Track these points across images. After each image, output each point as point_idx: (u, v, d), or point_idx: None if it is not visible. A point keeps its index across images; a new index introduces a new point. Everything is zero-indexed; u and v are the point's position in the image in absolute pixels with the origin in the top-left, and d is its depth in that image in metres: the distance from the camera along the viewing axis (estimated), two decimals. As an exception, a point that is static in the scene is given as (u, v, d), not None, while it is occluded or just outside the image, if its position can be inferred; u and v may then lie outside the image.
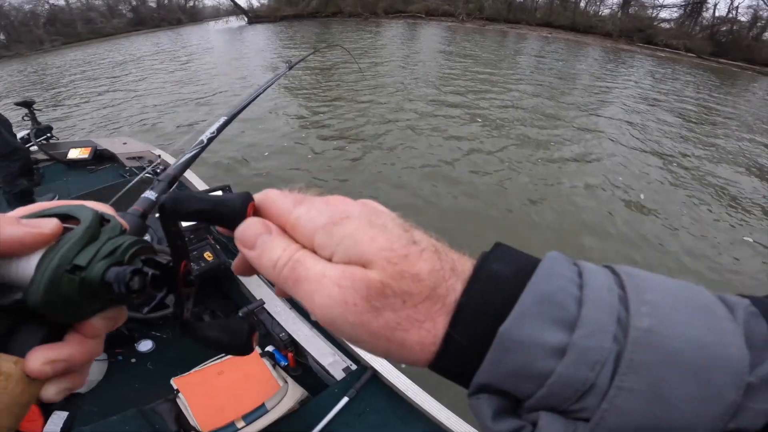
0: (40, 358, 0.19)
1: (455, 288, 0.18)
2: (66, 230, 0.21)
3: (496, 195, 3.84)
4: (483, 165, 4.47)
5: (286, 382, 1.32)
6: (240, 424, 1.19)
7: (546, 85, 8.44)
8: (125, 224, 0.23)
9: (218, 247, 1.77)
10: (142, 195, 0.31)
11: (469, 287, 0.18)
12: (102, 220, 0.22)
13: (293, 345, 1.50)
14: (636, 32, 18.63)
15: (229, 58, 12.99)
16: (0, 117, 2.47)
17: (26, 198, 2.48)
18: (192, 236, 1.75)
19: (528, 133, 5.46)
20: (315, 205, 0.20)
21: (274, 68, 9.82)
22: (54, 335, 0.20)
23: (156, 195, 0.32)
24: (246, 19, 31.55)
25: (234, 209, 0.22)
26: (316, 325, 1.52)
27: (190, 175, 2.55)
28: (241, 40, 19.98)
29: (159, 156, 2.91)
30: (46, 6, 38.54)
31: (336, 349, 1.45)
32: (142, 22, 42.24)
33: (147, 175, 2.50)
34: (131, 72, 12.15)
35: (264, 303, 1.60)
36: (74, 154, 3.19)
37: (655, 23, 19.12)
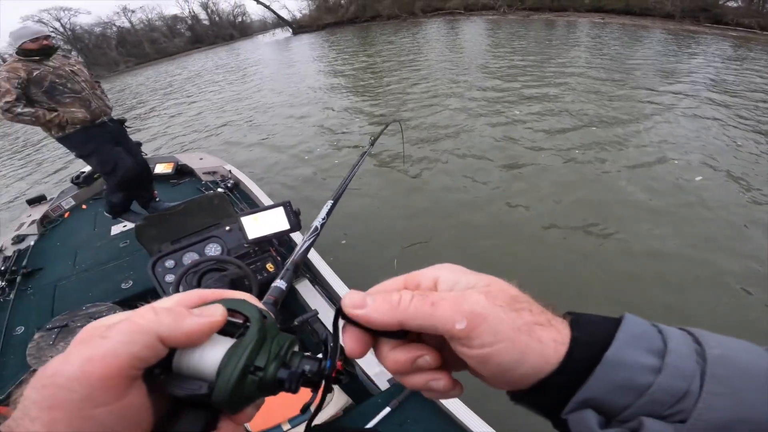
0: None
1: (562, 326, 0.23)
2: (230, 321, 0.23)
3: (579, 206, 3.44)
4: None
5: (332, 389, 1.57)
6: (286, 426, 1.23)
7: (608, 74, 7.67)
8: (272, 314, 0.25)
9: (279, 259, 1.84)
10: (273, 284, 0.34)
11: (573, 324, 0.22)
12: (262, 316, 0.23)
13: (343, 354, 1.71)
14: (700, 12, 16.86)
15: (281, 72, 13.80)
16: (122, 133, 2.74)
17: (128, 207, 2.82)
18: (256, 248, 1.80)
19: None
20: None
21: (329, 87, 10.17)
22: (213, 422, 0.22)
23: (286, 284, 0.35)
24: (291, 30, 33.23)
25: None
26: None
27: (256, 190, 2.91)
28: (288, 50, 21.12)
29: (230, 171, 3.26)
30: (114, 28, 43.58)
31: None
32: (200, 40, 46.23)
33: (220, 189, 2.99)
34: (199, 88, 13.53)
35: (318, 313, 1.66)
36: (160, 168, 3.55)
37: (721, 2, 17.17)
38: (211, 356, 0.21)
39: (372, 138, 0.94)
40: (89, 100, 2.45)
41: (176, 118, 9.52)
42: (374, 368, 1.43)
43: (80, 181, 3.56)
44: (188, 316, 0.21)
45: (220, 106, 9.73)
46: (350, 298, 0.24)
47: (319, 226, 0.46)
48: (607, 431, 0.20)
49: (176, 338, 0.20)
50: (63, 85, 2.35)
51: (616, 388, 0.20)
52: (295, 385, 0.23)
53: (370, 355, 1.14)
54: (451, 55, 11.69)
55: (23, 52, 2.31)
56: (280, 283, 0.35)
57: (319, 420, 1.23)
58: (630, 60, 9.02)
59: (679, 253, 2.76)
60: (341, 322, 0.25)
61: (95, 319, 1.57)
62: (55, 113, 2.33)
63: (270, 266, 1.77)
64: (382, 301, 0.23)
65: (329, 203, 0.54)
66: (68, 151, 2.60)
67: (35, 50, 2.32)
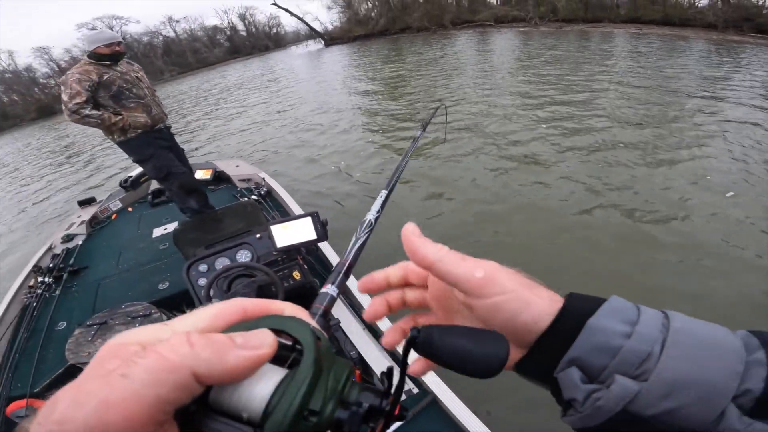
0: None
1: (557, 296, 0.28)
2: (280, 344, 0.20)
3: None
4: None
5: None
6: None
7: (652, 86, 7.37)
8: (325, 333, 0.23)
9: (306, 267, 1.87)
10: (322, 290, 0.30)
11: (567, 298, 0.27)
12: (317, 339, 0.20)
13: (361, 363, 1.56)
14: (743, 21, 15.97)
15: (315, 81, 14.34)
16: (173, 140, 2.82)
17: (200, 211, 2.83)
18: (284, 255, 1.82)
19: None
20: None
21: (361, 93, 10.43)
22: None
23: (337, 291, 0.31)
24: (323, 42, 34.27)
25: (489, 363, 0.23)
26: (385, 348, 1.72)
27: (287, 198, 3.00)
28: (320, 60, 21.80)
29: (263, 179, 3.36)
30: (160, 38, 46.44)
31: (401, 373, 1.61)
32: (237, 50, 48.53)
33: (253, 197, 3.12)
34: (238, 96, 14.23)
35: (340, 322, 1.68)
36: (200, 175, 3.65)
37: (765, 11, 16.18)
38: (258, 392, 0.19)
39: (423, 122, 0.88)
40: (150, 105, 2.54)
41: (216, 125, 10.08)
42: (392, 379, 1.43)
43: (128, 184, 3.76)
44: (231, 348, 0.18)
45: (259, 114, 10.20)
46: (411, 229, 0.29)
47: (373, 220, 0.42)
48: (586, 384, 0.24)
49: (216, 376, 0.17)
50: (129, 90, 2.44)
51: (594, 349, 0.24)
52: (355, 428, 0.20)
53: (387, 364, 1.18)
54: (483, 66, 11.67)
55: (96, 56, 2.37)
56: (330, 289, 0.32)
57: None
58: (668, 69, 8.70)
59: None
60: (412, 354, 0.24)
61: (132, 318, 1.64)
62: (120, 117, 2.39)
63: (297, 274, 1.80)
64: (429, 243, 0.29)
65: (383, 194, 0.47)
66: (125, 156, 2.69)
67: (107, 55, 2.38)
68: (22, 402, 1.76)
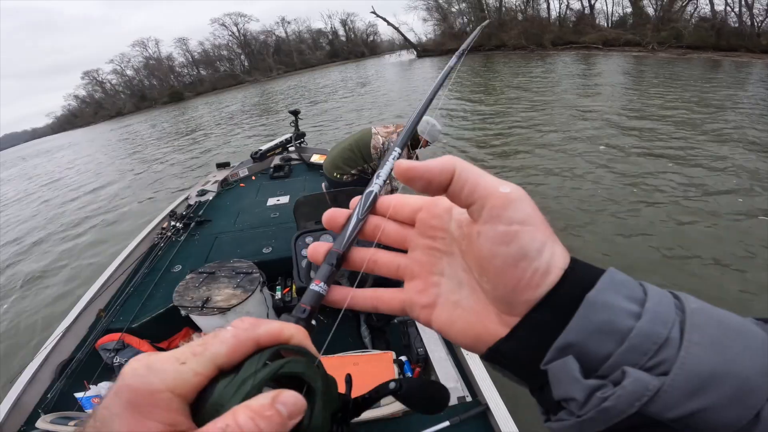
0: None
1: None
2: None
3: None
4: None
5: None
6: (355, 407, 1.41)
7: None
8: (319, 356, 0.22)
9: None
10: (310, 287, 0.25)
11: (570, 265, 0.21)
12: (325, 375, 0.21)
13: (425, 362, 1.58)
14: None
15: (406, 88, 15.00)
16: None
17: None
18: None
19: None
20: None
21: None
22: None
23: (326, 288, 0.25)
24: (415, 52, 35.20)
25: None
26: (452, 352, 1.61)
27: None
28: (411, 71, 22.50)
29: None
30: (273, 37, 51.59)
31: (461, 378, 1.47)
32: (336, 55, 52.11)
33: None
34: (342, 95, 15.63)
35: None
36: (315, 158, 4.13)
37: None
38: None
39: (462, 49, 0.55)
40: None
41: (319, 117, 11.22)
42: (450, 383, 1.43)
43: (257, 156, 4.33)
44: (285, 421, 0.18)
45: (359, 109, 11.19)
46: (401, 162, 0.23)
47: (378, 192, 0.28)
48: (589, 381, 0.18)
49: None
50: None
51: (596, 331, 0.19)
52: None
53: (449, 367, 1.57)
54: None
55: (415, 140, 2.70)
56: (319, 287, 0.26)
57: (376, 415, 1.27)
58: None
59: None
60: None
61: (236, 273, 1.96)
62: None
63: None
64: (436, 159, 0.22)
65: (395, 152, 0.32)
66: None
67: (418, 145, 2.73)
68: (115, 335, 1.86)
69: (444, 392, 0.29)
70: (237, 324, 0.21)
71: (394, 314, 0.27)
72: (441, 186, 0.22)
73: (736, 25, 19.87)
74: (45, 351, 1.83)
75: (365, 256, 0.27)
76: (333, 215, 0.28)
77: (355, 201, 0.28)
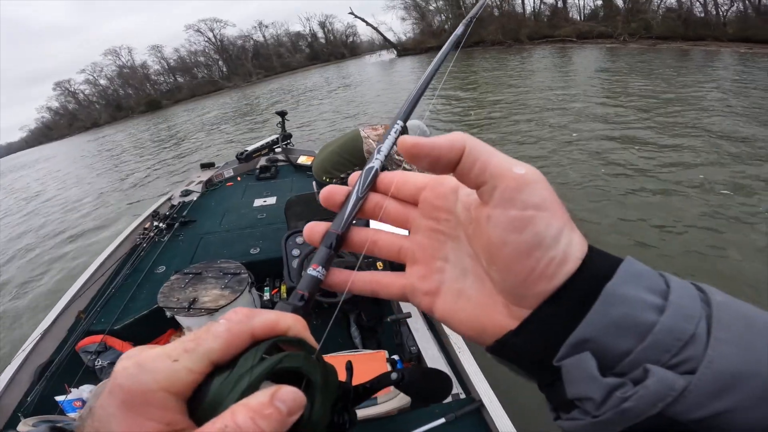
0: None
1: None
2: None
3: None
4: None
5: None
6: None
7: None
8: (317, 346, 0.21)
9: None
10: (307, 272, 0.24)
11: (588, 254, 0.19)
12: (325, 366, 0.21)
13: (417, 360, 1.58)
14: None
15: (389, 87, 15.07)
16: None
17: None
18: None
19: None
20: None
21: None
22: None
23: (324, 272, 0.24)
24: (395, 52, 35.38)
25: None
26: (444, 350, 1.61)
27: None
28: (392, 70, 22.58)
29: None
30: (251, 41, 50.99)
31: (454, 375, 1.47)
32: (316, 57, 51.82)
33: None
34: (317, 97, 15.62)
35: (410, 317, 1.66)
36: (302, 160, 4.04)
37: None
38: None
39: (470, 17, 0.37)
40: None
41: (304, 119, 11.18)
42: None
43: (242, 157, 4.27)
44: (284, 418, 0.17)
45: (343, 108, 11.27)
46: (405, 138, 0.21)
47: (379, 168, 0.26)
48: (608, 380, 0.17)
49: None
50: None
51: (615, 327, 0.17)
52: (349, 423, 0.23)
53: (442, 365, 1.57)
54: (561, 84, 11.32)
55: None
56: (317, 272, 0.24)
57: (372, 414, 1.26)
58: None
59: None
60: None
61: (224, 273, 1.97)
62: None
63: (380, 264, 1.79)
64: (444, 135, 0.21)
65: (397, 126, 0.30)
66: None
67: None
68: (97, 337, 1.79)
69: (446, 380, 0.29)
70: (230, 316, 0.19)
71: (394, 299, 0.26)
72: (449, 164, 0.21)
73: (702, 15, 20.68)
74: (23, 353, 1.78)
75: (366, 237, 0.26)
76: (331, 192, 0.26)
77: (355, 177, 0.25)
